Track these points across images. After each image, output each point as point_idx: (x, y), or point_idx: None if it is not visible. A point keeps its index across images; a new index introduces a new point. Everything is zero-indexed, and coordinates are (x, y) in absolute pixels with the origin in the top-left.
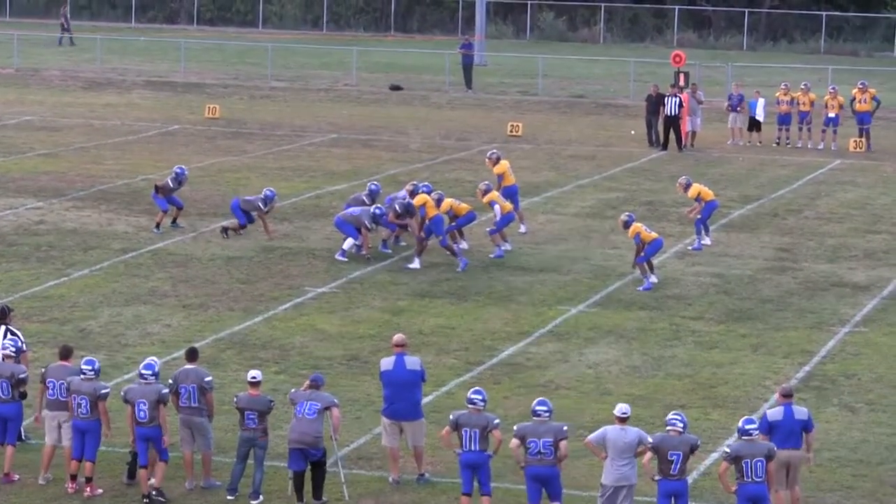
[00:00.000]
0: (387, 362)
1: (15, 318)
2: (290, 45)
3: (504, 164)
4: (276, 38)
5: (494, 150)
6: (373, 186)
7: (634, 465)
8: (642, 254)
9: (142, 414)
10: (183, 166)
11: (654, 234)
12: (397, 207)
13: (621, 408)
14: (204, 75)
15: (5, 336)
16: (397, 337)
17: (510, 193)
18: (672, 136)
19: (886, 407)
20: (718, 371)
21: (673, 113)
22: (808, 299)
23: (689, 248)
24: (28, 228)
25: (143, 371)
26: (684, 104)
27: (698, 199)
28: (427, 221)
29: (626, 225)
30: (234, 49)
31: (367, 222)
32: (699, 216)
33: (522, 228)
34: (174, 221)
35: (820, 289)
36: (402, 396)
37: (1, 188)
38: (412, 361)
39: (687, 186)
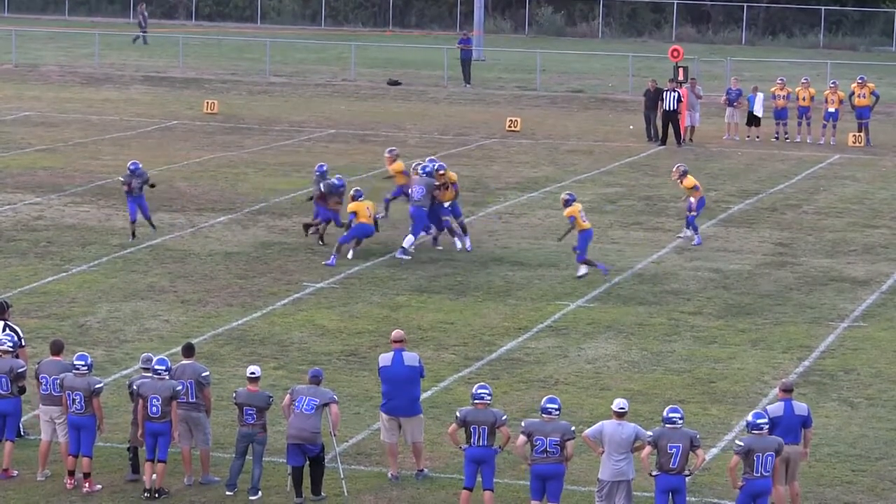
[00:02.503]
0: (385, 358)
1: (13, 313)
2: (289, 40)
3: (400, 165)
4: (275, 34)
5: (394, 147)
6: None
7: (631, 461)
8: (576, 244)
9: (154, 409)
10: (136, 161)
11: (587, 224)
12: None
13: (618, 403)
14: (202, 71)
15: (4, 331)
16: (396, 333)
17: (399, 195)
18: (671, 130)
19: (885, 402)
20: (717, 366)
21: (672, 108)
22: (807, 294)
23: (692, 244)
24: (26, 224)
25: (157, 367)
26: (683, 99)
27: (696, 187)
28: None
29: (567, 203)
30: (233, 44)
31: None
32: (694, 212)
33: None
34: (150, 223)
35: (819, 284)
36: (401, 392)
37: None
38: (410, 357)
39: (683, 174)
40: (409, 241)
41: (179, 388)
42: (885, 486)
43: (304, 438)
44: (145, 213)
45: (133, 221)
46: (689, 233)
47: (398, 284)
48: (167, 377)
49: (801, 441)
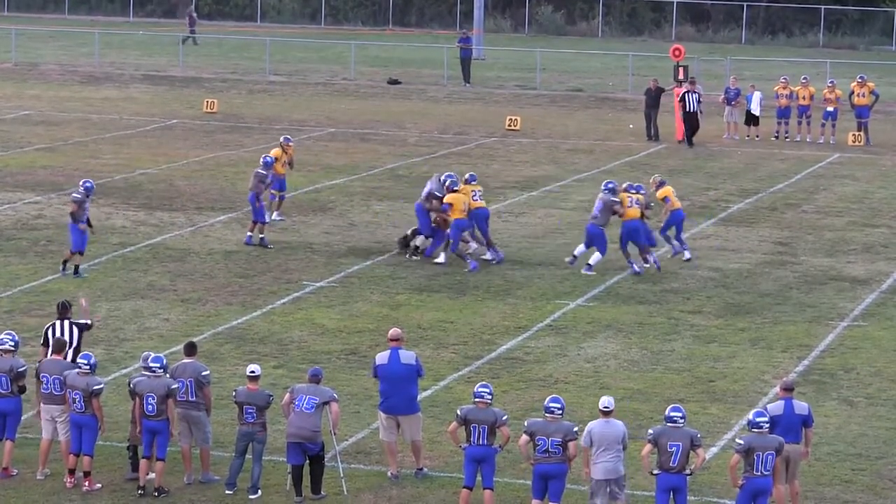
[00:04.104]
0: (382, 357)
1: (16, 313)
2: (288, 39)
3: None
4: (274, 33)
5: (285, 139)
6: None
7: (622, 458)
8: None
9: (150, 407)
10: (90, 180)
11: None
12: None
13: (604, 401)
14: (202, 70)
15: (70, 332)
16: (393, 331)
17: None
18: (661, 129)
19: (885, 401)
20: (717, 365)
21: (693, 109)
22: (806, 293)
23: (669, 256)
24: (26, 223)
25: (152, 364)
26: (702, 100)
27: (666, 199)
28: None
29: (450, 189)
30: (233, 43)
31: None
32: (661, 224)
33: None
34: (76, 270)
35: (819, 283)
36: (398, 391)
37: None
38: (407, 356)
39: (659, 185)
40: (595, 258)
41: (175, 385)
42: (884, 485)
43: (303, 437)
44: (84, 243)
45: (80, 252)
46: (686, 253)
47: (398, 283)
48: (163, 375)
49: (801, 440)
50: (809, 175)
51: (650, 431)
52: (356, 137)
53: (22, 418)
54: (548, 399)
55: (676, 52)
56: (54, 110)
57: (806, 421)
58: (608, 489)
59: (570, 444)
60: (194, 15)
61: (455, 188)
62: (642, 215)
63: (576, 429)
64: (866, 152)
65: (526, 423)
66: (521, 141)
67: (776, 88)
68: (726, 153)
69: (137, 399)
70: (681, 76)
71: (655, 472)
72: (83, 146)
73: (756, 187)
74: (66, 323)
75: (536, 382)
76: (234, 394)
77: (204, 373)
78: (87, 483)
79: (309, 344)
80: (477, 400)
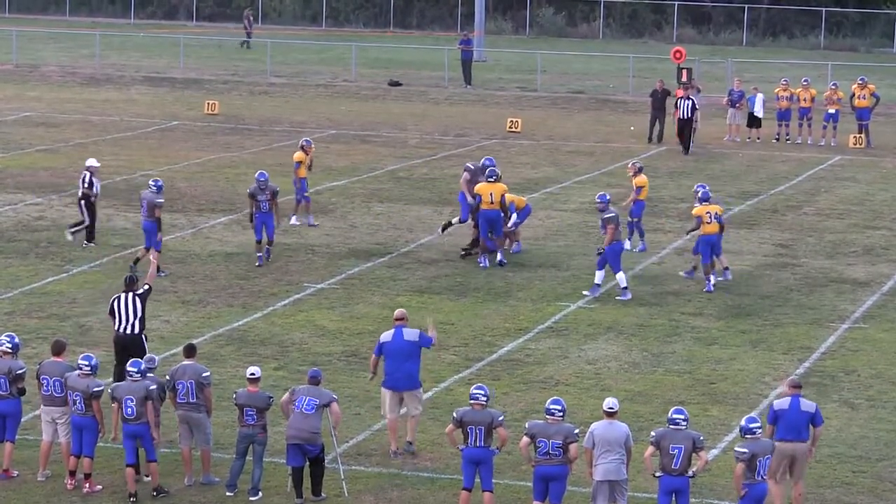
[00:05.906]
0: (387, 335)
1: (17, 314)
2: (289, 41)
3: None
4: (275, 34)
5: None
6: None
7: (624, 461)
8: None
9: (129, 410)
10: (159, 179)
11: (524, 200)
12: None
13: (609, 402)
14: (203, 71)
15: (133, 303)
16: (398, 311)
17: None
18: (665, 130)
19: (886, 403)
20: (718, 367)
21: (686, 115)
22: (807, 295)
23: (636, 250)
24: (27, 224)
25: (130, 368)
26: (698, 107)
27: (639, 189)
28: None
29: (487, 178)
30: (233, 45)
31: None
32: (630, 216)
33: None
34: (136, 262)
35: (819, 285)
36: (400, 367)
37: (0, 184)
38: (411, 333)
39: (638, 171)
40: (622, 278)
41: (153, 387)
42: (885, 487)
43: (303, 438)
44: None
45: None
46: (640, 245)
47: (398, 285)
48: (140, 378)
49: (807, 439)
50: (810, 177)
51: (653, 433)
52: (357, 139)
53: (22, 420)
54: (549, 401)
55: (677, 54)
56: (55, 112)
57: (814, 419)
58: (608, 491)
59: (571, 447)
60: (251, 18)
61: (491, 178)
62: (721, 227)
63: (577, 431)
64: (867, 154)
65: (527, 425)
66: (521, 143)
67: (777, 90)
68: (727, 155)
69: (116, 404)
70: (684, 78)
71: (657, 474)
72: (84, 148)
73: (757, 189)
74: (131, 295)
75: (537, 384)
76: (234, 396)
77: (204, 374)
78: (87, 485)
79: (309, 346)
80: (472, 402)
